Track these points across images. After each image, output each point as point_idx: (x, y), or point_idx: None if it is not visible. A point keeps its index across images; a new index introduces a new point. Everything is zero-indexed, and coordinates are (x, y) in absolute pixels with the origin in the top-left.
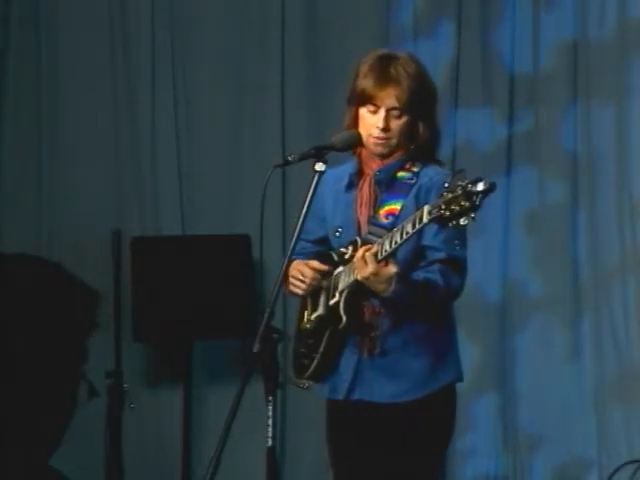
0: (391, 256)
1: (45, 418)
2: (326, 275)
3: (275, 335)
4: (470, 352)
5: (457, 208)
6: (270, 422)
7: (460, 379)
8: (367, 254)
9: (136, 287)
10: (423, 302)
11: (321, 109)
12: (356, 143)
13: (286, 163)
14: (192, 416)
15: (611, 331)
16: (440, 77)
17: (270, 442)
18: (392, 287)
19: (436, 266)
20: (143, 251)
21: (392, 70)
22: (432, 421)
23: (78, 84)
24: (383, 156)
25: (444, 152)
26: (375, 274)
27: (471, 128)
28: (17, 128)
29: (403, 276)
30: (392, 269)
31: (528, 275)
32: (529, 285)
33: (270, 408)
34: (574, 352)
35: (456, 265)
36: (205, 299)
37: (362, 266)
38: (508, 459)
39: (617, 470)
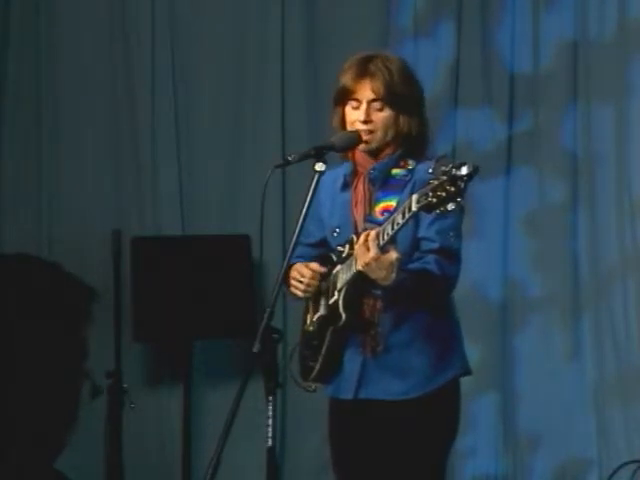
0: (391, 242)
1: (46, 418)
2: (325, 276)
3: (275, 335)
4: (470, 352)
5: (443, 194)
6: (270, 422)
7: (468, 372)
8: (369, 238)
9: (136, 287)
10: (421, 292)
11: (321, 109)
12: (356, 143)
13: (286, 163)
14: (192, 416)
15: (611, 331)
16: (440, 77)
17: (270, 442)
18: (394, 274)
19: (431, 256)
20: (143, 251)
21: (371, 65)
22: (440, 416)
23: (78, 84)
24: (372, 152)
25: (444, 152)
26: (376, 259)
27: (471, 128)
28: (17, 128)
29: (400, 266)
30: (393, 255)
31: (528, 275)
32: (529, 285)
33: (270, 408)
34: (574, 352)
35: (450, 255)
36: (205, 299)
37: (364, 252)
38: (508, 459)
39: (617, 470)
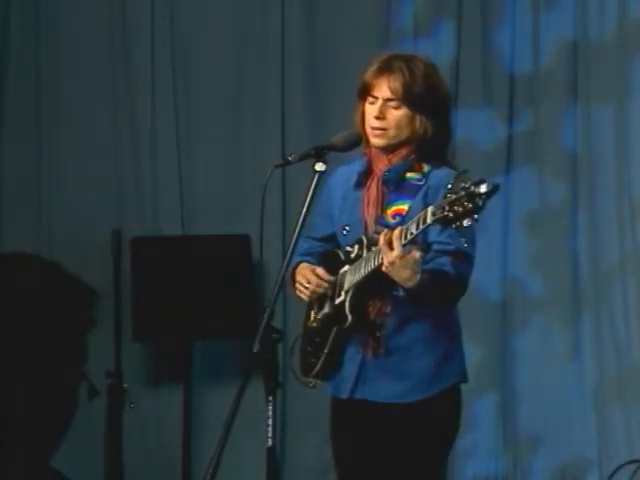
0: (412, 243)
1: (44, 418)
2: (331, 282)
3: (275, 335)
4: (470, 352)
5: (460, 209)
6: (270, 422)
7: (464, 380)
8: (394, 236)
9: (136, 287)
10: (437, 294)
11: (321, 109)
12: (356, 142)
13: (286, 163)
14: (192, 416)
15: (611, 331)
16: None
17: (270, 442)
18: (418, 274)
19: (445, 258)
20: (143, 251)
21: (393, 64)
22: (436, 422)
23: (78, 84)
24: (385, 150)
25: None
26: (401, 257)
27: (471, 128)
28: (17, 128)
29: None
30: (416, 253)
31: (528, 275)
32: (529, 285)
33: (270, 408)
34: (574, 352)
35: (464, 258)
36: (205, 299)
37: (387, 251)
38: (508, 459)
39: (617, 470)
